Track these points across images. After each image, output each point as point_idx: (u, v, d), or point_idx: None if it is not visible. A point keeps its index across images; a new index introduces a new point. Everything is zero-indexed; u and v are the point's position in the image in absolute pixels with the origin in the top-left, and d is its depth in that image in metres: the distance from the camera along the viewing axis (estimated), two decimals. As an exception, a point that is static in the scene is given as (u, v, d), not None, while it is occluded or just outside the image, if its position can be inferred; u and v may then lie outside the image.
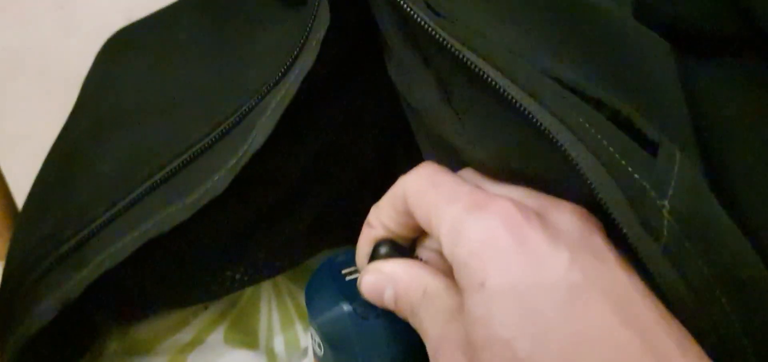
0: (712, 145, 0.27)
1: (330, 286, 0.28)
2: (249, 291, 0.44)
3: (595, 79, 0.24)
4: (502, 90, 0.23)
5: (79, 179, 0.35)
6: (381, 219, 0.27)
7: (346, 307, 0.27)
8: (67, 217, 0.33)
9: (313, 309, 0.28)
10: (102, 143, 0.36)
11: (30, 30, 1.12)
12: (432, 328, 0.24)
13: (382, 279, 0.26)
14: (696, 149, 0.25)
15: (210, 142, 0.31)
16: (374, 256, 0.27)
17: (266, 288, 0.44)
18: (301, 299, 0.43)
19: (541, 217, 0.23)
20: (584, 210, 0.23)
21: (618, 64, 0.25)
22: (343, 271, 0.29)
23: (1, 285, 0.36)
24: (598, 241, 0.22)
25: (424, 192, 0.25)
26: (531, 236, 0.22)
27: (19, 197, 0.44)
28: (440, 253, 0.26)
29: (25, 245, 0.35)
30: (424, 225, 0.25)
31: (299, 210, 0.39)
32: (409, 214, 0.26)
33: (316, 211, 0.39)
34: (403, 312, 0.25)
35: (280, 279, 0.44)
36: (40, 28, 1.12)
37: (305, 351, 0.41)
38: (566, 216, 0.23)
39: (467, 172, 0.27)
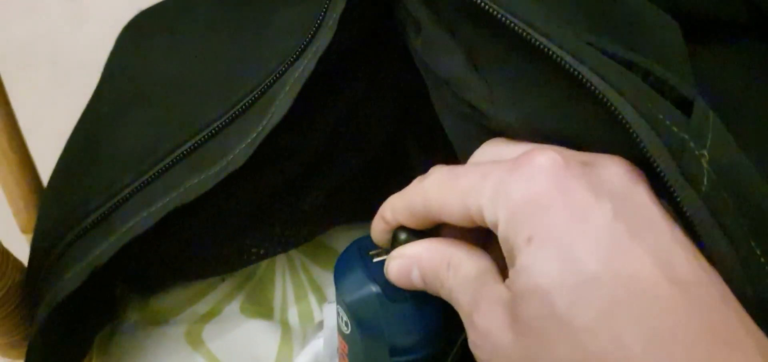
0: None
1: (359, 267, 0.29)
2: (264, 264, 0.45)
3: (623, 45, 0.25)
4: (546, 49, 0.24)
5: (104, 154, 0.36)
6: (398, 219, 0.27)
7: (374, 289, 0.28)
8: (93, 190, 0.34)
9: (342, 289, 0.29)
10: (126, 120, 0.37)
11: (41, 21, 1.13)
12: (462, 295, 0.24)
13: (407, 262, 0.26)
14: None
15: (230, 118, 0.33)
16: (395, 243, 0.27)
17: (281, 261, 0.45)
18: (315, 272, 0.45)
19: (585, 166, 0.23)
20: (627, 162, 0.23)
21: (638, 38, 0.26)
22: (371, 253, 0.29)
23: (30, 255, 0.37)
24: (643, 194, 0.22)
25: (450, 185, 0.25)
26: (574, 186, 0.22)
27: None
28: (461, 230, 0.27)
29: (52, 216, 0.37)
30: (458, 215, 0.24)
31: (315, 186, 0.40)
32: (427, 216, 0.26)
33: (330, 187, 0.40)
34: (433, 287, 0.26)
35: (293, 253, 0.45)
36: (50, 19, 1.13)
37: (319, 325, 0.41)
38: (610, 167, 0.23)
39: (485, 149, 0.27)
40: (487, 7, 0.25)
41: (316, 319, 0.42)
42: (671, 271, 0.20)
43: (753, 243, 0.22)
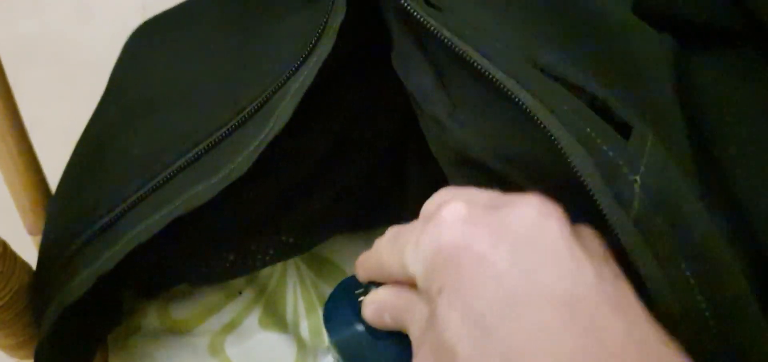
0: (708, 132, 0.28)
1: (346, 307, 0.29)
2: (276, 277, 0.45)
3: (581, 67, 0.25)
4: (487, 73, 0.25)
5: (111, 161, 0.37)
6: (372, 278, 0.28)
7: (359, 328, 0.29)
8: (100, 196, 0.35)
9: (330, 328, 0.30)
10: (132, 128, 0.38)
11: (46, 17, 1.14)
12: (415, 338, 0.25)
13: (378, 307, 0.27)
14: (683, 133, 0.26)
15: (234, 126, 0.33)
16: (367, 289, 0.29)
17: (291, 275, 0.46)
18: (322, 288, 0.45)
19: (491, 211, 0.23)
20: (542, 200, 0.23)
21: (603, 55, 0.26)
22: (357, 292, 0.30)
23: (39, 258, 0.38)
24: (550, 229, 0.22)
25: (391, 249, 0.26)
26: (475, 236, 0.22)
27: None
28: None
29: (60, 221, 0.37)
30: (402, 276, 0.25)
31: (317, 192, 0.41)
32: (387, 279, 0.27)
33: (333, 193, 0.41)
34: (402, 326, 0.27)
35: (303, 268, 0.46)
36: (56, 15, 1.14)
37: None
38: (519, 208, 0.22)
39: (434, 199, 0.27)
40: (429, 25, 0.26)
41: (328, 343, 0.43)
42: (573, 314, 0.20)
43: (683, 265, 0.22)
